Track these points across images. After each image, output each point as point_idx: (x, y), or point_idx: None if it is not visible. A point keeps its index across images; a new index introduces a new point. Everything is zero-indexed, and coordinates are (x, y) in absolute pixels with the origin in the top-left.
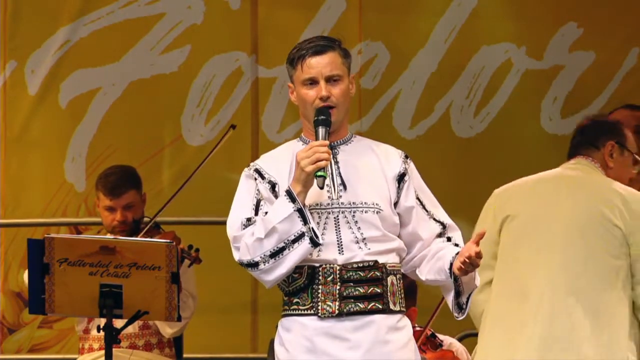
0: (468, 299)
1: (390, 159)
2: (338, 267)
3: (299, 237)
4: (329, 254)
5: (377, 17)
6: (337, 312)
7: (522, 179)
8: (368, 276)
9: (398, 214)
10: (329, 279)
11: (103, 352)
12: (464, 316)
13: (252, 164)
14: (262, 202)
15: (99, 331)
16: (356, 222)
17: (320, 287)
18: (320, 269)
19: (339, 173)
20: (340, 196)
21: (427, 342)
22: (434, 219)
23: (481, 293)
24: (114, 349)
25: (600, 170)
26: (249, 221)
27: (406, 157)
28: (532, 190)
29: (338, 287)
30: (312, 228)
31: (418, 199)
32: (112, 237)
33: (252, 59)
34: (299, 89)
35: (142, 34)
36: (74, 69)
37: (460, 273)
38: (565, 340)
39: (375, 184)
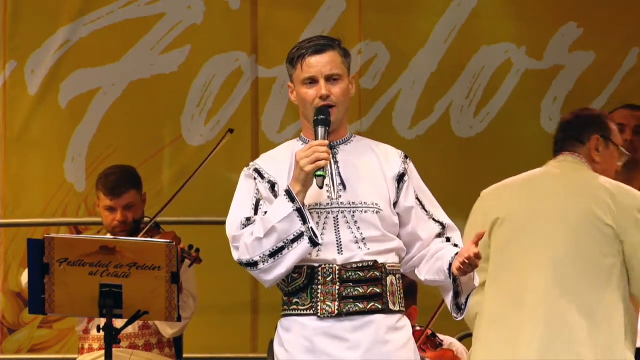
0: (467, 299)
1: (390, 159)
2: (337, 267)
3: (298, 237)
4: (328, 254)
5: (377, 17)
6: (336, 312)
7: (510, 179)
8: (367, 276)
9: (397, 214)
10: (328, 279)
11: (103, 352)
12: (463, 317)
13: (251, 163)
14: (261, 202)
15: (99, 331)
16: (356, 222)
17: (319, 287)
18: (320, 269)
19: (339, 173)
20: (340, 196)
21: (427, 341)
22: (434, 219)
23: (475, 295)
24: (114, 349)
25: (587, 166)
26: (248, 221)
27: (406, 157)
28: (520, 191)
29: (337, 287)
30: (312, 228)
31: (418, 199)
32: (112, 237)
33: (252, 59)
34: (298, 88)
35: (142, 34)
36: (74, 69)
37: (459, 273)
38: (563, 343)
39: (374, 184)
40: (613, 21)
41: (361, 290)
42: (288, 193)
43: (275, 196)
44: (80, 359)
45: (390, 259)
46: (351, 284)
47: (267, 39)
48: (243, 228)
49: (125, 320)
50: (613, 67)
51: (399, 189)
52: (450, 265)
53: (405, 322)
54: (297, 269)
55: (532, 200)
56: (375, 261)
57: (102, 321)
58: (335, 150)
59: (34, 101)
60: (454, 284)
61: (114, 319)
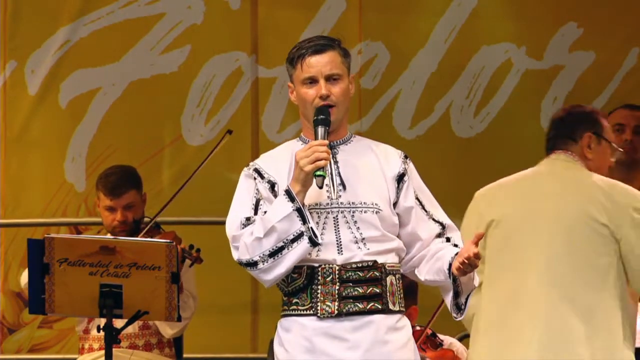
0: (467, 299)
1: (390, 159)
2: (337, 267)
3: (298, 237)
4: (328, 254)
5: (377, 17)
6: (336, 312)
7: (503, 179)
8: (367, 276)
9: (397, 214)
10: (328, 279)
11: (103, 352)
12: (462, 317)
13: (251, 163)
14: (261, 202)
15: (99, 331)
16: (355, 222)
17: (319, 287)
18: (320, 269)
19: (339, 173)
20: (340, 196)
21: (427, 341)
22: (433, 219)
23: (472, 297)
24: (114, 349)
25: (580, 164)
26: (248, 220)
27: (406, 157)
28: (514, 192)
29: (337, 287)
30: (311, 227)
31: (417, 199)
32: (112, 237)
33: (252, 59)
34: (298, 88)
35: (142, 34)
36: (74, 69)
37: (459, 273)
38: (561, 343)
39: (374, 184)
40: (613, 21)
41: (361, 290)
42: (288, 193)
43: (275, 196)
44: (80, 359)
45: (390, 259)
46: (351, 284)
47: (267, 39)
48: (243, 228)
49: (125, 320)
50: (613, 67)
51: (398, 189)
52: (450, 265)
53: (405, 322)
54: (296, 269)
55: (526, 201)
56: (375, 261)
57: (102, 321)
58: (335, 150)
59: (34, 101)
60: (453, 284)
61: (114, 319)
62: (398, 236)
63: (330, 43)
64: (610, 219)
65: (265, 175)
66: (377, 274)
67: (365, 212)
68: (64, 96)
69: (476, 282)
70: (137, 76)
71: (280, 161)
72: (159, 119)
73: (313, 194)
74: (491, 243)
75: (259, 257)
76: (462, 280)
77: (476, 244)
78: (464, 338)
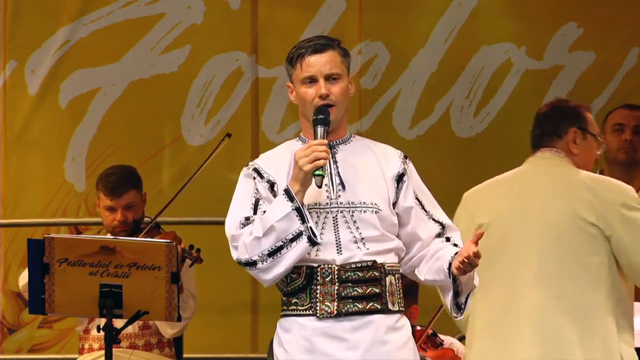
0: (467, 299)
1: (389, 159)
2: (336, 268)
3: (297, 236)
4: (327, 253)
5: (377, 17)
6: (335, 312)
7: (491, 180)
8: (366, 276)
9: (397, 214)
10: (327, 279)
11: (103, 352)
12: (462, 316)
13: (250, 163)
14: (260, 202)
15: (99, 331)
16: (355, 221)
17: (318, 287)
18: (319, 269)
19: (338, 173)
20: (339, 196)
21: (427, 341)
22: (433, 219)
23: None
24: (114, 349)
25: (566, 160)
26: (247, 220)
27: (405, 157)
28: (502, 194)
29: (336, 288)
30: (310, 227)
31: (417, 199)
32: (112, 237)
33: (252, 59)
34: (298, 87)
35: (142, 34)
36: (74, 69)
37: (459, 273)
38: (556, 345)
39: (374, 183)
40: (613, 21)
41: (360, 291)
42: (287, 192)
43: (275, 196)
44: (80, 359)
45: (389, 259)
46: (350, 284)
47: (267, 39)
48: (242, 227)
49: (125, 320)
50: (613, 67)
51: (398, 189)
52: (450, 264)
53: (404, 321)
54: (296, 269)
55: (514, 203)
56: (374, 261)
57: (102, 321)
58: (335, 150)
59: (34, 101)
60: (453, 284)
61: (114, 319)
62: (398, 236)
63: (329, 43)
64: (598, 218)
65: (265, 175)
66: (377, 274)
67: (364, 212)
68: (64, 96)
69: (476, 282)
70: (137, 76)
71: (279, 161)
72: (159, 119)
73: (312, 194)
74: (482, 246)
75: (258, 256)
76: (462, 280)
77: (476, 243)
78: (464, 338)
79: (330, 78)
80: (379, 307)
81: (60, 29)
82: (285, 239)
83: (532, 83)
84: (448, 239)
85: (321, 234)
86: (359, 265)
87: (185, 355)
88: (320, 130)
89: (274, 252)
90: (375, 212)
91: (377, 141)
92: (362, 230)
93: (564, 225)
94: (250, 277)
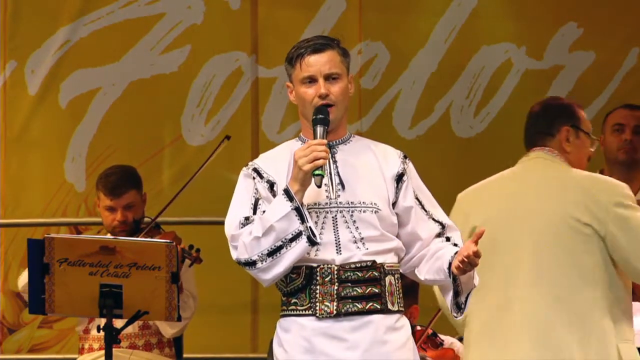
0: (467, 298)
1: (389, 159)
2: (336, 268)
3: (296, 236)
4: (326, 253)
5: (377, 17)
6: (335, 312)
7: (485, 181)
8: (366, 276)
9: (396, 214)
10: (326, 279)
11: (103, 352)
12: (462, 316)
13: (250, 163)
14: (260, 201)
15: (99, 331)
16: (354, 221)
17: (318, 287)
18: (318, 269)
19: (337, 172)
20: (339, 195)
21: (428, 340)
22: (433, 219)
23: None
24: (114, 349)
25: (559, 159)
26: (247, 220)
27: (405, 157)
28: (496, 195)
29: (336, 288)
30: (310, 227)
31: (417, 198)
32: (112, 237)
33: (252, 59)
34: (297, 87)
35: (142, 34)
36: (74, 69)
37: (459, 272)
38: (554, 348)
39: (373, 183)
40: (613, 21)
41: (359, 291)
42: (286, 192)
43: (274, 196)
44: (80, 359)
45: (388, 259)
46: (349, 284)
47: (267, 39)
48: (242, 227)
49: (125, 320)
50: (613, 67)
51: (397, 189)
52: (450, 264)
53: (404, 321)
54: (295, 269)
55: (508, 204)
56: (374, 261)
57: (102, 321)
58: (334, 150)
59: (34, 101)
60: (453, 283)
61: (114, 319)
62: (397, 236)
63: (329, 42)
64: (592, 218)
65: (264, 175)
66: (376, 274)
67: (364, 211)
68: (64, 96)
69: (476, 281)
70: (137, 76)
71: (279, 161)
72: (159, 119)
73: (312, 194)
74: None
75: (258, 256)
76: (462, 280)
77: (476, 242)
78: None
79: (329, 78)
80: (378, 307)
81: (60, 29)
82: (285, 239)
83: (532, 83)
84: (448, 239)
85: (320, 233)
86: (358, 265)
87: (185, 355)
88: (319, 130)
89: (274, 252)
90: (375, 212)
91: (377, 141)
92: (362, 230)
93: (558, 226)
94: (250, 277)
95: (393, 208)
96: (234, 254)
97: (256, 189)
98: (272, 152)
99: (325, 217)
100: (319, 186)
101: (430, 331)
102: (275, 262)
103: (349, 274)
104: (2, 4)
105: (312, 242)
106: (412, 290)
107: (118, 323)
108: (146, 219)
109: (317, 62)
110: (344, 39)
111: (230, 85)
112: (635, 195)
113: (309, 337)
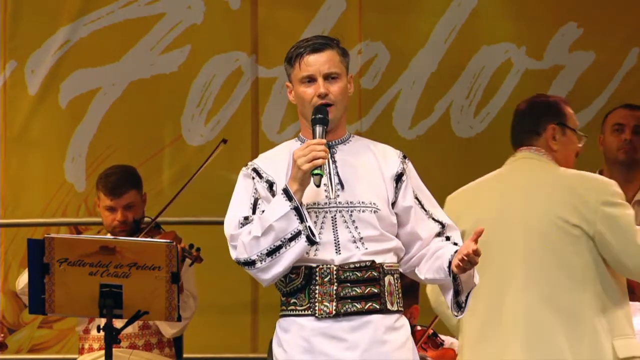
0: (467, 297)
1: (388, 158)
2: (335, 268)
3: (295, 236)
4: (326, 253)
5: (377, 17)
6: (334, 312)
7: (473, 183)
8: (365, 276)
9: (396, 213)
10: (326, 279)
11: (103, 352)
12: (462, 315)
13: (249, 163)
14: (259, 201)
15: (99, 331)
16: (353, 221)
17: (317, 287)
18: (317, 269)
19: (337, 172)
20: (338, 195)
21: (428, 341)
22: (433, 219)
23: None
24: (114, 349)
25: (546, 158)
26: (246, 220)
27: (404, 157)
28: (484, 198)
29: (335, 288)
30: (309, 226)
31: (417, 198)
32: (112, 237)
33: (252, 59)
34: (297, 87)
35: (142, 34)
36: (74, 69)
37: (459, 271)
38: (548, 349)
39: (372, 183)
40: (613, 21)
41: (359, 291)
42: (285, 192)
43: (273, 195)
44: (81, 359)
45: (388, 259)
46: (349, 284)
47: (267, 39)
48: (241, 227)
49: (125, 320)
50: (613, 67)
51: (397, 189)
52: (450, 263)
53: (403, 321)
54: (294, 269)
55: (497, 207)
56: (373, 261)
57: (102, 321)
58: (334, 150)
59: (34, 101)
60: (453, 282)
61: (114, 319)
62: (397, 236)
63: (328, 42)
64: (581, 219)
65: (264, 175)
66: (375, 274)
67: (363, 211)
68: (64, 96)
69: (476, 280)
70: (137, 76)
71: (278, 161)
72: (159, 119)
73: (311, 194)
74: None
75: (257, 256)
76: (462, 278)
77: (475, 241)
78: None
79: (329, 77)
80: (377, 307)
81: (60, 29)
82: (284, 239)
83: (532, 83)
84: (448, 238)
85: (320, 233)
86: (357, 265)
87: (185, 355)
88: (318, 129)
89: (273, 252)
90: (374, 212)
91: (377, 141)
92: (361, 230)
93: (546, 228)
94: (250, 277)
95: (392, 208)
96: (233, 254)
97: (255, 188)
98: (272, 152)
99: (324, 217)
100: (318, 186)
101: (430, 331)
102: (274, 261)
103: (348, 274)
104: (2, 4)
105: (312, 241)
106: (412, 290)
107: (118, 323)
108: (146, 219)
109: (317, 62)
110: (344, 39)
111: (230, 85)
112: (635, 196)
113: (308, 337)
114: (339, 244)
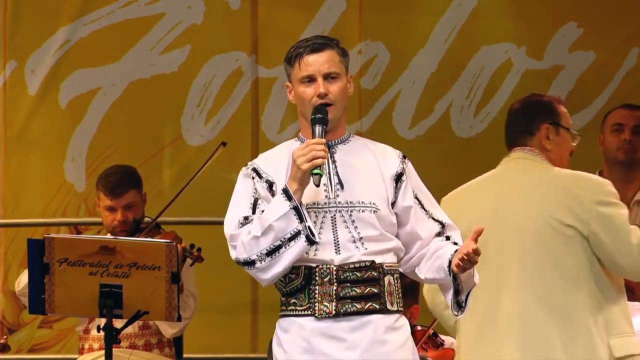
0: (467, 297)
1: (388, 158)
2: (335, 268)
3: (295, 235)
4: (325, 253)
5: (377, 17)
6: (334, 312)
7: (468, 183)
8: (365, 276)
9: (396, 213)
10: (325, 279)
11: (103, 352)
12: (463, 315)
13: (249, 163)
14: (259, 201)
15: (99, 331)
16: (353, 221)
17: (317, 287)
18: (317, 269)
19: (336, 172)
20: (337, 195)
21: (428, 341)
22: (433, 218)
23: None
24: (114, 349)
25: (540, 157)
26: (246, 220)
27: (404, 157)
28: (478, 199)
29: (335, 288)
30: (309, 226)
31: (417, 198)
32: (112, 237)
33: (252, 59)
34: (296, 87)
35: (142, 34)
36: (74, 69)
37: (459, 270)
38: (542, 349)
39: (372, 183)
40: (613, 21)
41: (358, 291)
42: (285, 191)
43: (273, 195)
44: (81, 359)
45: (388, 259)
46: (348, 284)
47: (267, 39)
48: (241, 227)
49: (125, 320)
50: (613, 67)
51: (396, 189)
52: (450, 262)
53: (403, 321)
54: (294, 269)
55: (491, 207)
56: (373, 261)
57: (102, 321)
58: (333, 150)
59: (34, 101)
60: (453, 282)
61: (114, 319)
62: (397, 236)
63: (328, 42)
64: (575, 220)
65: (264, 175)
66: (375, 274)
67: (363, 211)
68: (64, 96)
69: (476, 279)
70: (137, 76)
71: (278, 161)
72: (159, 119)
73: (311, 193)
74: None
75: (257, 256)
76: (462, 278)
77: (475, 240)
78: None
79: (328, 77)
80: (377, 307)
81: (60, 29)
82: (284, 238)
83: (532, 83)
84: (448, 238)
85: (319, 233)
86: (357, 265)
87: (185, 355)
88: (318, 129)
89: (273, 252)
90: (374, 212)
91: (377, 141)
92: (361, 229)
93: (540, 228)
94: (250, 277)
95: (392, 208)
96: (233, 254)
97: (255, 188)
98: (271, 152)
99: (324, 216)
100: (318, 185)
101: (431, 331)
102: (274, 261)
103: (347, 274)
104: (2, 4)
105: (311, 241)
106: (412, 290)
107: (118, 323)
108: (146, 219)
109: (316, 62)
110: (344, 39)
111: (230, 85)
112: (635, 196)
113: (308, 337)
114: (338, 244)
